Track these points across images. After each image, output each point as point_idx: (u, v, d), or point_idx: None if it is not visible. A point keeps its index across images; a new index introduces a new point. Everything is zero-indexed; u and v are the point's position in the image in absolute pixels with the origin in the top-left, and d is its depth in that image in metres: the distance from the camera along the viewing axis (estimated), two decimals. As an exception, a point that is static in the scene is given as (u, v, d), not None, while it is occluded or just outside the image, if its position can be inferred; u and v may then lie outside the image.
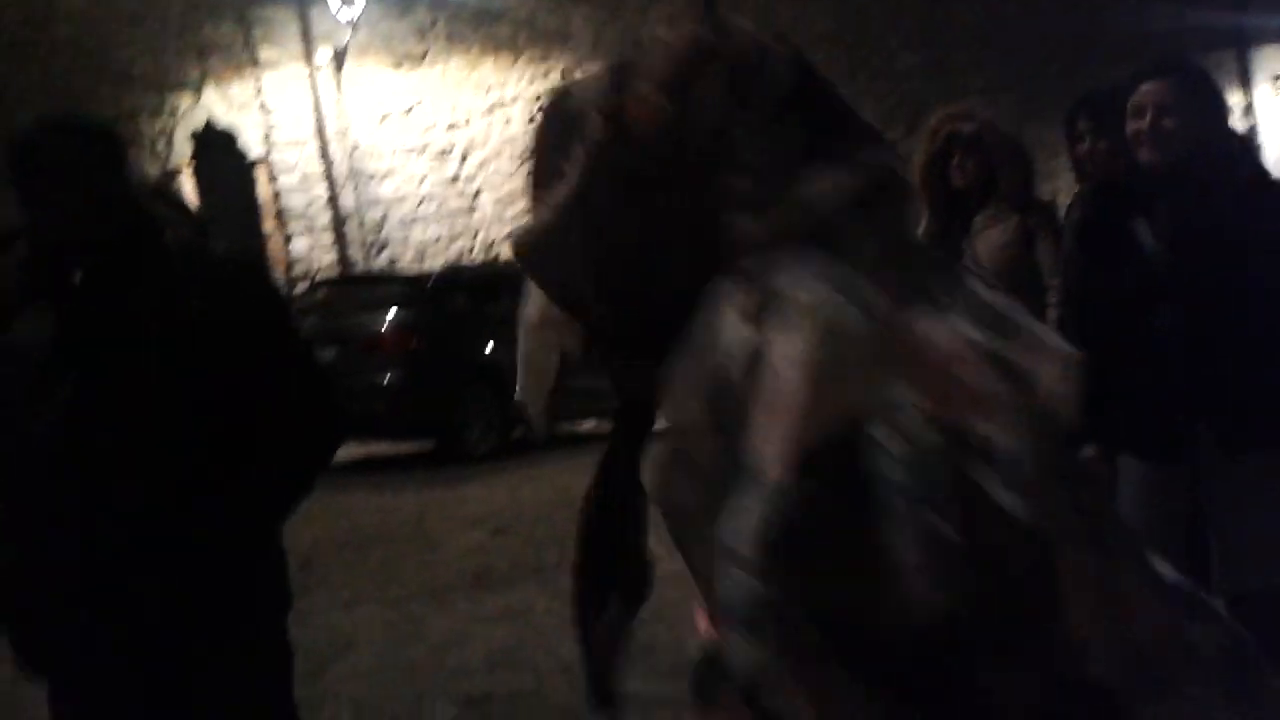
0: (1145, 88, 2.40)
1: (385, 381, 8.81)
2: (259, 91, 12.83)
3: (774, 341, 1.00)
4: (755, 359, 1.00)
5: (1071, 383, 1.04)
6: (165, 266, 1.82)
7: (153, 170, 12.96)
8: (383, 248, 13.01)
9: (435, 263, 12.73)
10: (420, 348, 8.99)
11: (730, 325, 1.03)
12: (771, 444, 0.97)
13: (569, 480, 7.78)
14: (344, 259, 12.72)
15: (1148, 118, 2.38)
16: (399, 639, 4.33)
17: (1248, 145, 2.69)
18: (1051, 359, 1.05)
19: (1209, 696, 1.06)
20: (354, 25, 12.53)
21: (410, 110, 13.16)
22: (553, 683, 3.73)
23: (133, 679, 1.79)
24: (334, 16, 12.43)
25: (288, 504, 2.01)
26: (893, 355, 1.01)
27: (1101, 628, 1.00)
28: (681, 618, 4.02)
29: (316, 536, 6.53)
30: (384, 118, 13.07)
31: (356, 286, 10.57)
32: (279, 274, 12.72)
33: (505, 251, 13.34)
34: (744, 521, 0.97)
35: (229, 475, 1.82)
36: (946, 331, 1.04)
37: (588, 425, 11.21)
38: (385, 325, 9.06)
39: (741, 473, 0.98)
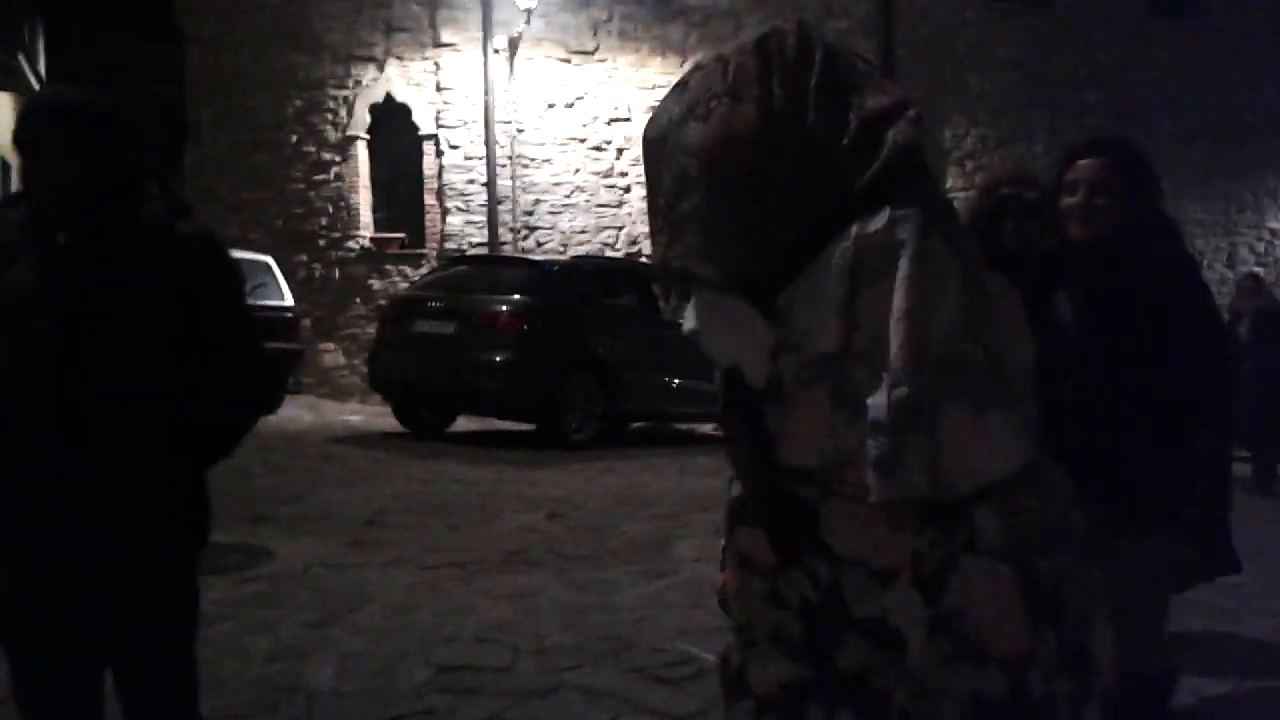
0: (1081, 164, 2.43)
1: (495, 360, 9.14)
2: (437, 70, 13.44)
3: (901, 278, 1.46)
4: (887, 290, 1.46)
5: None
6: (135, 236, 2.09)
7: (335, 135, 13.79)
8: (531, 232, 13.43)
9: (580, 251, 13.07)
10: (532, 331, 9.28)
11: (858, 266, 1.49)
12: (902, 346, 1.42)
13: (644, 477, 7.98)
14: (494, 239, 13.19)
15: (1079, 194, 2.40)
16: (411, 603, 4.55)
17: (1174, 227, 2.62)
18: None
19: None
20: (530, 14, 12.97)
21: (574, 103, 13.52)
22: (524, 663, 3.89)
23: (56, 554, 2.04)
24: (514, 4, 12.90)
25: (207, 458, 2.25)
26: (975, 297, 1.50)
27: None
28: (655, 622, 4.11)
29: (393, 495, 6.91)
30: (549, 107, 13.48)
31: (487, 266, 10.91)
32: (433, 246, 13.35)
33: (647, 247, 13.57)
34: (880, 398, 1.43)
35: (166, 417, 2.09)
36: (999, 286, 1.56)
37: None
38: (503, 306, 9.38)
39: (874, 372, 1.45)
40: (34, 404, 2.02)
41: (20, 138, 2.05)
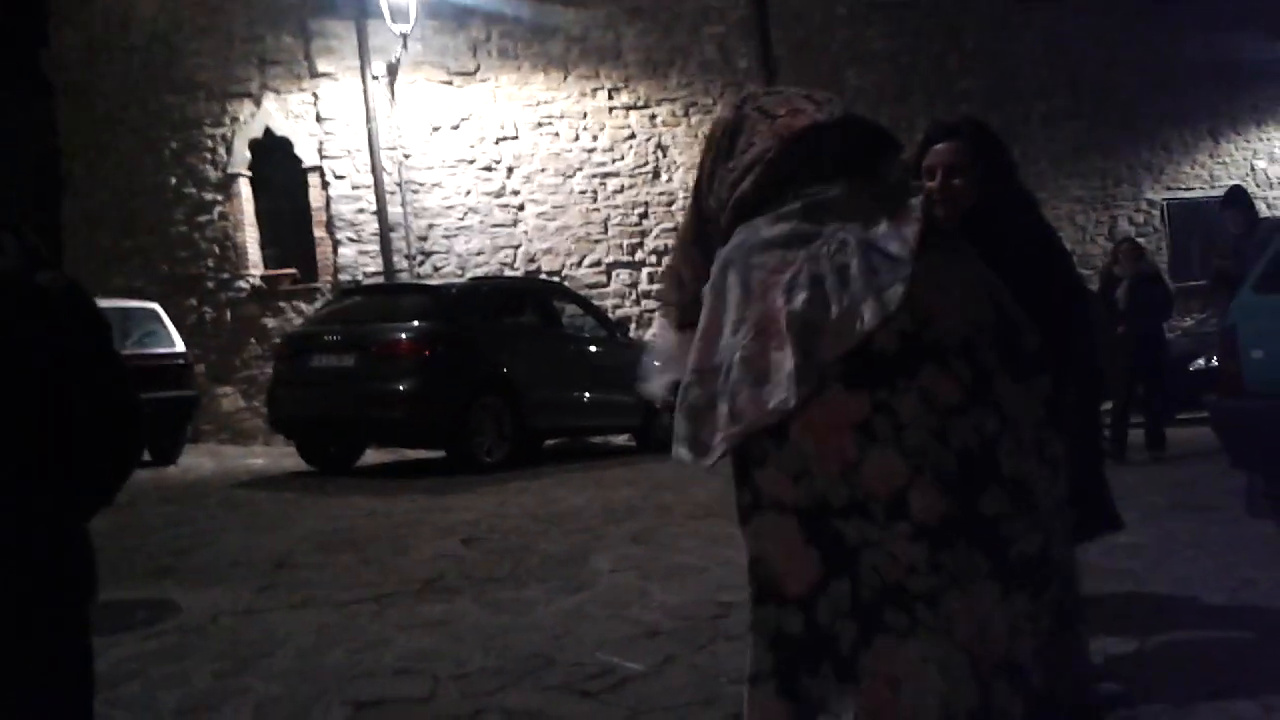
0: (935, 149, 2.51)
1: (399, 389, 9.01)
2: (316, 101, 13.23)
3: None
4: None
5: None
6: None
7: (215, 174, 13.48)
8: (427, 257, 13.29)
9: (478, 273, 12.98)
10: (435, 356, 9.17)
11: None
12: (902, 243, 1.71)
13: (559, 493, 7.93)
14: (389, 267, 13.02)
15: (938, 178, 2.49)
16: (325, 642, 4.43)
17: (1030, 199, 2.75)
18: None
19: None
20: (407, 39, 12.85)
21: (459, 125, 13.43)
22: (445, 691, 3.81)
23: None
24: (390, 29, 12.76)
25: (84, 511, 2.17)
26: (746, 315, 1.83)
27: None
28: (575, 636, 4.04)
29: (302, 535, 6.75)
30: (434, 130, 13.37)
31: (382, 295, 10.78)
32: (326, 279, 13.12)
33: (545, 265, 13.54)
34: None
35: (34, 473, 2.00)
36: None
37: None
38: (403, 333, 9.26)
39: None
40: None
41: None
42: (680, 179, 13.97)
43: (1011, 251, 2.38)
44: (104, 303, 11.66)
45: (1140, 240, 12.54)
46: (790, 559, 1.66)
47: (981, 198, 2.49)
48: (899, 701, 1.53)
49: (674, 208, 14.02)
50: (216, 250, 13.44)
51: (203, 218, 13.48)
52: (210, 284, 13.43)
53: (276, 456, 11.26)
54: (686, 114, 14.13)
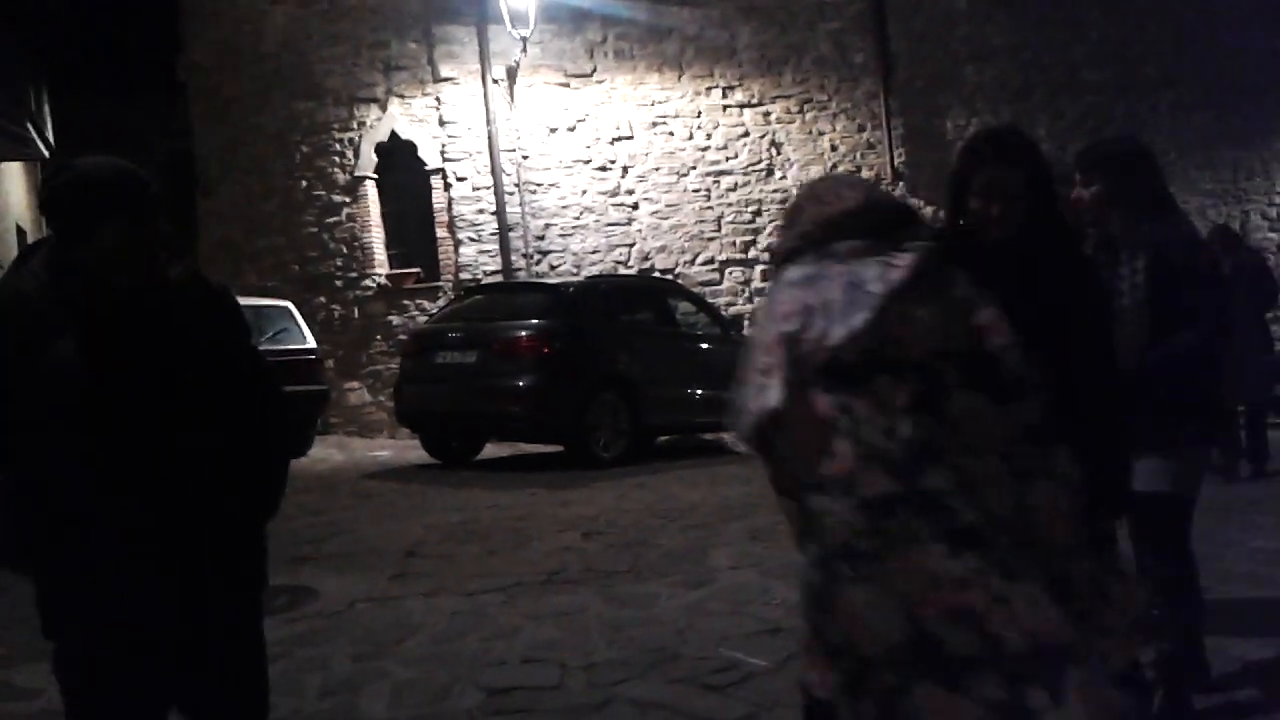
0: (990, 172, 2.57)
1: (520, 385, 9.23)
2: (439, 105, 13.60)
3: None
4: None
5: None
6: (171, 294, 2.19)
7: (343, 177, 13.95)
8: (543, 256, 13.54)
9: (594, 271, 13.17)
10: (554, 354, 9.36)
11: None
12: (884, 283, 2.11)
13: (675, 489, 8.04)
14: (507, 266, 13.31)
15: (990, 199, 2.61)
16: (456, 630, 4.62)
17: (1070, 228, 2.81)
18: None
19: None
20: (526, 42, 13.11)
21: (575, 126, 13.64)
22: (574, 680, 3.95)
23: (138, 615, 2.09)
24: (510, 34, 13.03)
25: (267, 505, 2.33)
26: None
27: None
28: (697, 631, 4.17)
29: (429, 526, 6.99)
30: (551, 131, 13.61)
31: (503, 293, 11.02)
32: (448, 278, 13.47)
33: (659, 263, 13.66)
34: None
35: (222, 469, 2.17)
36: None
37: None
38: (523, 331, 9.47)
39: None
40: (97, 468, 2.04)
41: (60, 201, 2.09)
42: (794, 176, 13.94)
43: (1044, 285, 2.53)
44: (241, 301, 12.13)
45: (1235, 227, 11.99)
46: (791, 522, 2.19)
47: (1027, 223, 2.58)
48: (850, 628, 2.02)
49: (787, 204, 13.99)
50: (344, 250, 13.92)
51: (331, 219, 13.98)
52: (339, 282, 13.92)
53: (402, 449, 11.62)
54: (801, 111, 14.09)
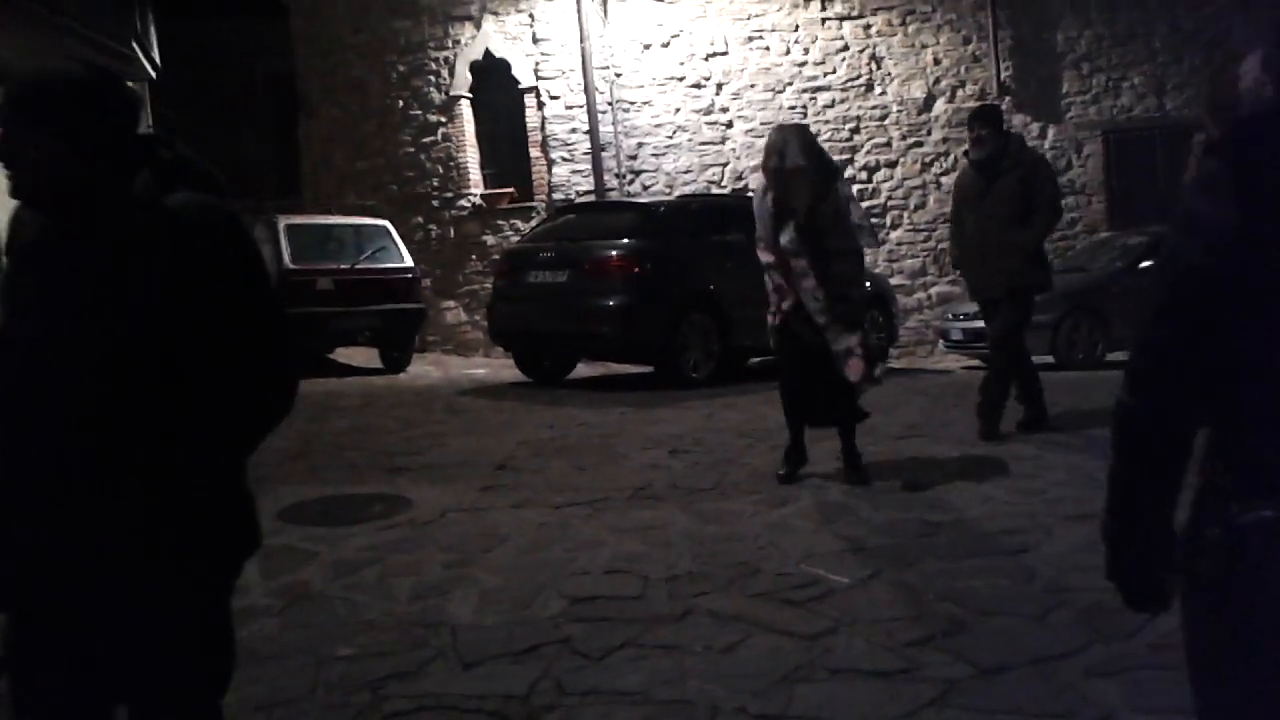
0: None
1: (611, 304, 9.26)
2: (532, 22, 13.52)
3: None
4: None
5: None
6: (128, 217, 1.82)
7: (439, 97, 14.02)
8: (636, 176, 13.47)
9: (686, 191, 13.08)
10: (645, 274, 9.35)
11: None
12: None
13: (763, 410, 8.02)
14: (599, 185, 13.29)
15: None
16: (542, 541, 4.72)
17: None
18: None
19: None
20: (620, -43, 12.91)
21: (669, 42, 13.45)
22: (655, 592, 4.01)
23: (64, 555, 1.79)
24: (604, -51, 12.86)
25: (239, 448, 1.95)
26: None
27: None
28: (779, 548, 4.20)
29: (520, 441, 7.12)
30: (645, 48, 13.44)
31: (594, 213, 10.98)
32: (541, 198, 13.52)
33: (752, 182, 13.48)
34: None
35: (184, 409, 1.82)
36: None
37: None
38: (614, 251, 9.47)
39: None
40: (40, 403, 1.76)
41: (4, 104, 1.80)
42: (895, 91, 13.56)
43: None
44: (341, 220, 12.31)
45: None
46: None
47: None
48: None
49: (886, 121, 13.65)
50: (440, 170, 14.04)
51: (427, 139, 14.09)
52: (435, 203, 14.08)
53: (496, 367, 11.81)
54: (903, 23, 13.65)
